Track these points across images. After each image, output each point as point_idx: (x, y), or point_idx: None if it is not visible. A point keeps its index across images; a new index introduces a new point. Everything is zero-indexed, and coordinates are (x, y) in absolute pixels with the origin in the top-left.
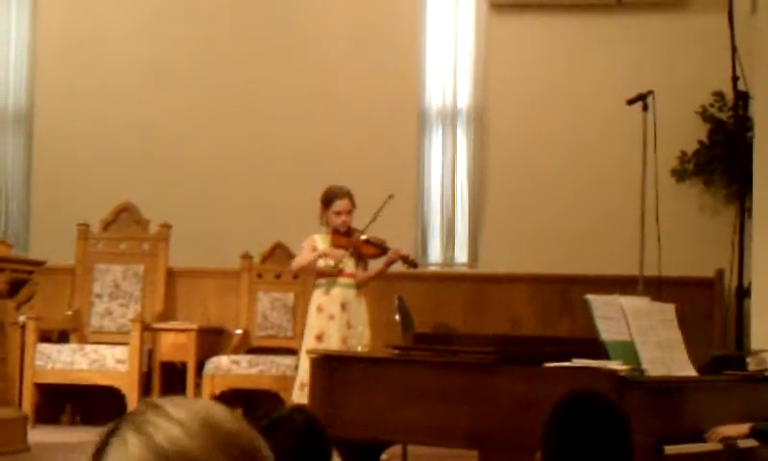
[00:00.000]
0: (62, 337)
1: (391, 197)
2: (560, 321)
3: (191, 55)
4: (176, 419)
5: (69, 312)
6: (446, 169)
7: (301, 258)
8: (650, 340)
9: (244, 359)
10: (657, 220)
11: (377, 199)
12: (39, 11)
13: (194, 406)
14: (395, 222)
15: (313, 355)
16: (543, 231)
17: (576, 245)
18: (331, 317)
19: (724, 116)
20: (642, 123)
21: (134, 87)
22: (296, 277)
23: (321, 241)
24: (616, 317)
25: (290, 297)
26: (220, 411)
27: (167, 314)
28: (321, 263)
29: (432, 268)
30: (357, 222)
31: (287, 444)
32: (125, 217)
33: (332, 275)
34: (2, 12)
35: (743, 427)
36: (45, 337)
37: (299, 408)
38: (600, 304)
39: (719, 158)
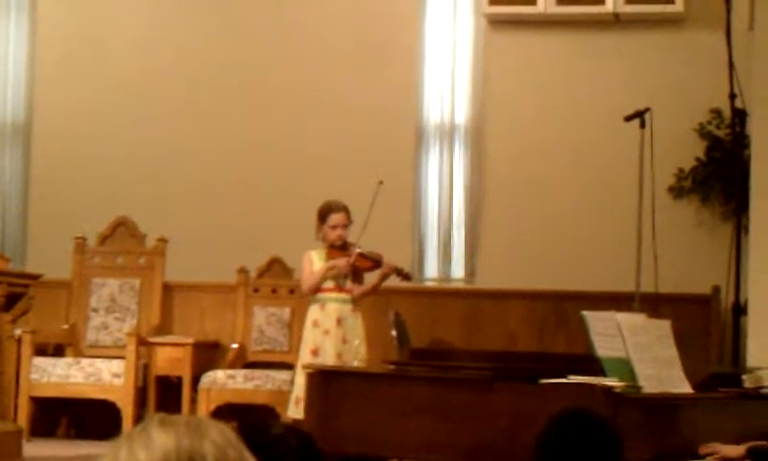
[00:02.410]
0: (58, 351)
1: (381, 183)
2: (556, 337)
3: (188, 70)
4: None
5: (65, 326)
6: (444, 184)
7: (311, 279)
8: (646, 357)
9: (240, 374)
10: (653, 237)
11: (375, 214)
12: (38, 24)
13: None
14: (391, 237)
15: (309, 370)
16: (540, 247)
17: (573, 261)
18: (327, 332)
19: (721, 134)
20: (640, 140)
21: (132, 102)
22: (292, 291)
23: (317, 256)
24: (613, 333)
25: (286, 311)
26: (213, 424)
27: (163, 328)
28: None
29: (429, 283)
30: (355, 236)
31: None
32: (121, 231)
33: (328, 290)
34: (0, 25)
35: (740, 448)
36: (41, 351)
37: (293, 427)
38: (596, 321)
39: (716, 176)
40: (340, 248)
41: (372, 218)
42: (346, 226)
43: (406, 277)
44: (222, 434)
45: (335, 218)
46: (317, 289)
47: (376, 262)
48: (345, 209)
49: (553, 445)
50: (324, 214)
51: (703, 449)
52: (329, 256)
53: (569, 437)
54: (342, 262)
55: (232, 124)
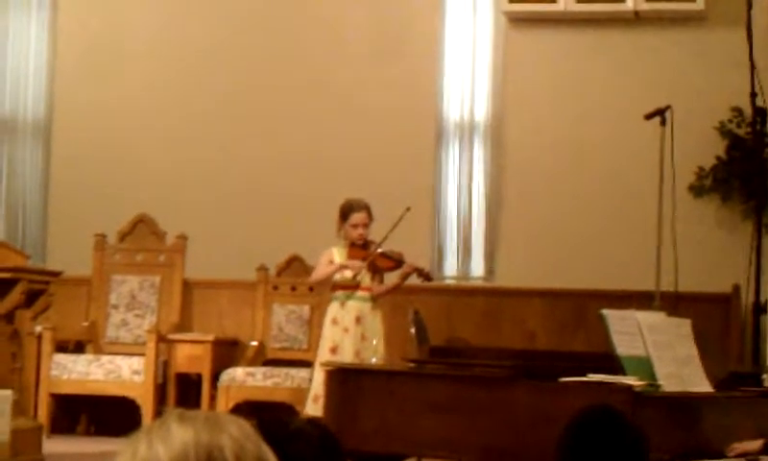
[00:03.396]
0: (78, 348)
1: (408, 210)
2: (575, 335)
3: (207, 67)
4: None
5: (85, 323)
6: (463, 182)
7: (319, 272)
8: (666, 355)
9: (259, 371)
10: (673, 235)
11: (394, 211)
12: (58, 22)
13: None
14: (411, 235)
15: (328, 368)
16: (560, 246)
17: (592, 260)
18: (346, 330)
19: (742, 132)
20: (660, 138)
21: (152, 99)
22: (311, 289)
23: (338, 254)
24: (632, 332)
25: (305, 309)
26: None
27: (183, 325)
28: (337, 276)
29: (448, 281)
30: (375, 234)
31: (302, 458)
32: (141, 228)
33: (349, 288)
34: (21, 23)
35: (757, 443)
36: (61, 348)
37: (313, 421)
38: (616, 319)
39: (737, 174)
40: (361, 246)
41: (392, 215)
42: (367, 225)
43: (427, 277)
44: (240, 429)
45: (356, 217)
46: (326, 284)
47: (398, 262)
48: (366, 208)
49: (576, 444)
50: (345, 213)
51: (729, 452)
52: (350, 255)
53: (592, 436)
54: (355, 265)
55: (252, 122)
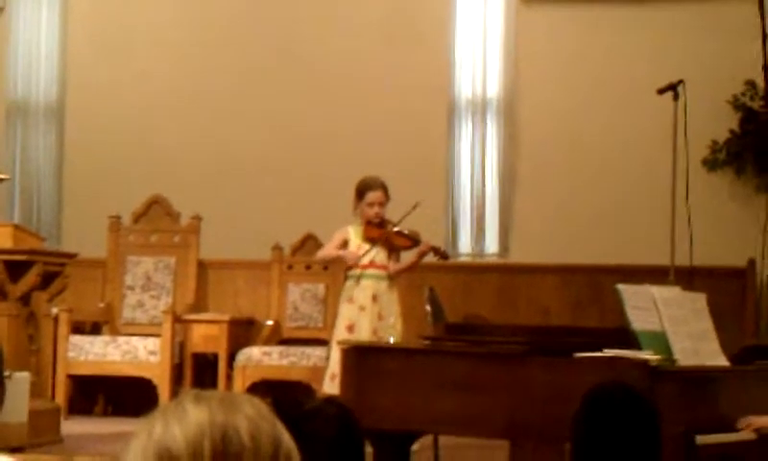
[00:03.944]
0: (95, 329)
1: (417, 205)
2: (590, 311)
3: (221, 46)
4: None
5: (101, 304)
6: (476, 160)
7: (324, 251)
8: (681, 330)
9: (275, 350)
10: (688, 210)
11: (408, 190)
12: (70, 4)
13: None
14: (425, 213)
15: (344, 346)
16: (574, 221)
17: (606, 235)
18: (362, 308)
19: (755, 105)
20: (673, 112)
21: (164, 80)
22: (326, 268)
23: (354, 232)
24: (648, 307)
25: (320, 288)
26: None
27: (198, 306)
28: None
29: (463, 259)
30: (390, 212)
31: (320, 436)
32: (156, 209)
33: (363, 267)
34: (33, 6)
35: None
36: (78, 329)
37: (331, 400)
38: (631, 294)
39: (750, 148)
40: (377, 225)
41: (406, 193)
42: (383, 203)
43: (443, 255)
44: (255, 408)
45: (372, 196)
46: (324, 262)
47: (414, 241)
48: (382, 187)
49: (591, 419)
50: (361, 191)
51: (740, 424)
52: (366, 233)
53: (607, 411)
54: (350, 257)
55: (265, 102)
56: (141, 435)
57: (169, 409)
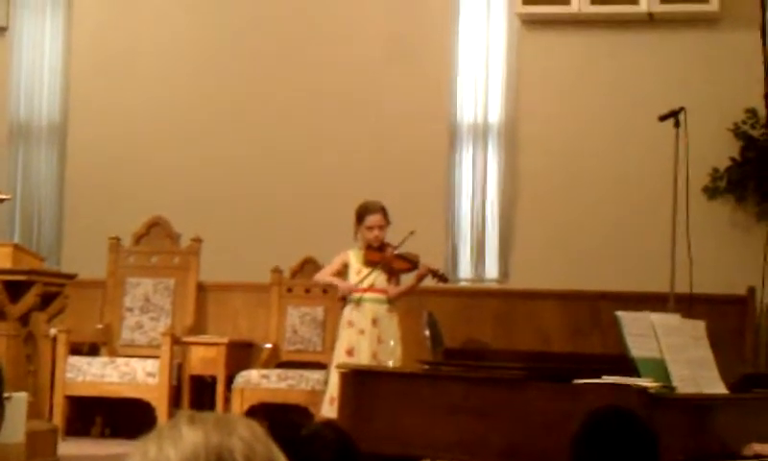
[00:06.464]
0: (93, 350)
1: (412, 233)
2: (590, 337)
3: (222, 71)
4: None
5: (100, 325)
6: (477, 184)
7: (321, 275)
8: (681, 357)
9: (273, 373)
10: (688, 237)
11: (408, 214)
12: (73, 25)
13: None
14: (425, 237)
15: (342, 370)
16: (574, 247)
17: (607, 261)
18: (362, 332)
19: (756, 133)
20: (674, 139)
21: (166, 102)
22: (325, 291)
23: (354, 256)
24: (647, 334)
25: (319, 311)
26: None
27: (197, 328)
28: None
29: (462, 283)
30: (389, 237)
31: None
32: (156, 231)
33: (363, 290)
34: (36, 26)
35: None
36: (76, 350)
37: (329, 424)
38: (630, 321)
39: (751, 176)
40: (377, 249)
41: (406, 217)
42: (382, 227)
43: (442, 278)
44: (250, 430)
45: (372, 219)
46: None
47: (413, 264)
48: (382, 210)
49: (589, 445)
50: (361, 215)
51: (746, 451)
52: (366, 257)
53: (605, 437)
54: (343, 288)
55: (266, 124)
56: (136, 457)
57: (164, 431)
